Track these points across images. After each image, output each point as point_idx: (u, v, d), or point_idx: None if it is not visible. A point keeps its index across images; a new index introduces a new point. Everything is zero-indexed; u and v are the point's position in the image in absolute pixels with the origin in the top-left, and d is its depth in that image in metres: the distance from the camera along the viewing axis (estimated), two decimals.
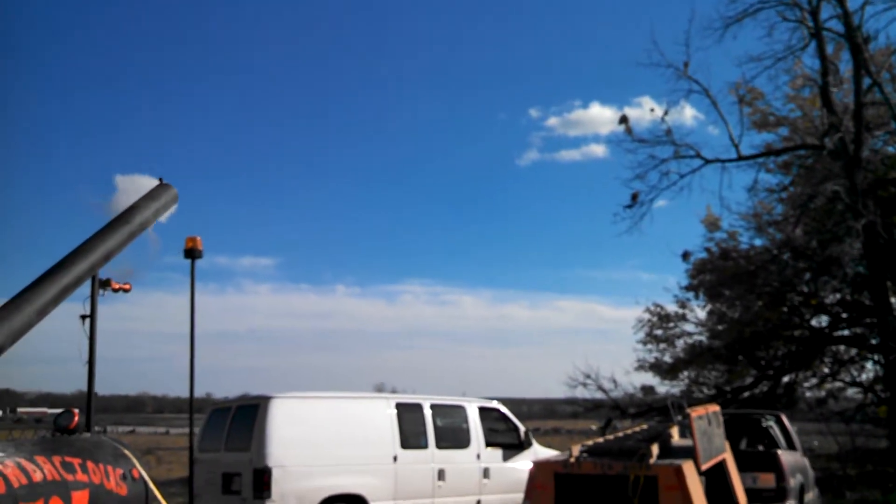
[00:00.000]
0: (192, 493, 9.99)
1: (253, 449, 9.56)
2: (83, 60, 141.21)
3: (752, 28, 22.99)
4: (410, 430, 10.88)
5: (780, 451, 11.39)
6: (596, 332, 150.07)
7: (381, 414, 10.73)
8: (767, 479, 10.92)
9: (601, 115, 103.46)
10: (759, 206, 23.25)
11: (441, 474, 10.99)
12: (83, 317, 6.00)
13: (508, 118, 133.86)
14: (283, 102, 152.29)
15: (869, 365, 23.42)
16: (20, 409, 78.75)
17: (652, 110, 25.37)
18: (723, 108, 21.32)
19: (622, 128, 22.69)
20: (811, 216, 20.80)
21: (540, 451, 12.06)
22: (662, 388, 24.64)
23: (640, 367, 24.45)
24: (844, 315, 23.12)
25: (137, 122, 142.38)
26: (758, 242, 23.67)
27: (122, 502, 4.77)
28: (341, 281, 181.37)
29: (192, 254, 10.21)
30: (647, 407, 22.73)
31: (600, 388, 22.70)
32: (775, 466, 11.01)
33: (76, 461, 4.56)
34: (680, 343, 24.63)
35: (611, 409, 23.05)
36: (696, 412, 7.16)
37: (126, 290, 6.40)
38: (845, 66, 20.89)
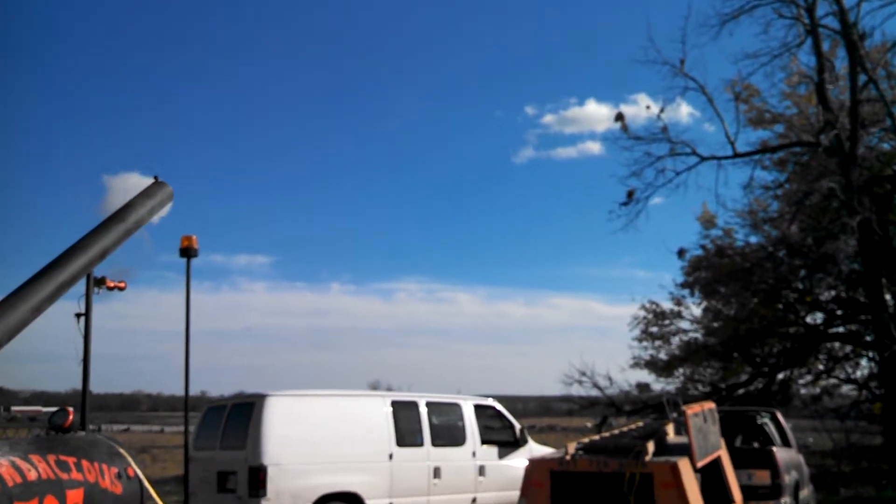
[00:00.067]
0: (187, 492, 9.97)
1: (248, 447, 9.56)
2: (79, 59, 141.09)
3: (748, 25, 23.04)
4: (406, 428, 10.89)
5: (775, 448, 11.42)
6: (591, 329, 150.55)
7: (377, 412, 10.73)
8: (763, 476, 10.93)
9: (597, 113, 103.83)
10: (755, 203, 23.31)
11: (437, 472, 11.00)
12: (78, 315, 5.98)
13: (504, 115, 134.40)
14: (278, 101, 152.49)
15: (864, 362, 23.59)
16: (14, 408, 78.42)
17: (648, 107, 25.28)
18: (719, 106, 21.34)
19: (618, 125, 22.71)
20: (806, 213, 20.84)
21: (535, 449, 12.06)
22: (658, 385, 24.73)
23: (636, 364, 24.55)
24: (839, 312, 23.19)
25: (135, 120, 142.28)
26: (753, 239, 23.76)
27: (117, 501, 4.76)
28: (336, 279, 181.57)
29: (187, 252, 10.17)
30: (643, 404, 22.73)
31: (596, 385, 22.74)
32: (770, 463, 11.02)
33: (71, 460, 4.55)
34: (675, 340, 24.72)
35: (606, 407, 23.07)
36: (691, 409, 7.17)
37: (121, 289, 6.36)
38: (841, 63, 20.92)
